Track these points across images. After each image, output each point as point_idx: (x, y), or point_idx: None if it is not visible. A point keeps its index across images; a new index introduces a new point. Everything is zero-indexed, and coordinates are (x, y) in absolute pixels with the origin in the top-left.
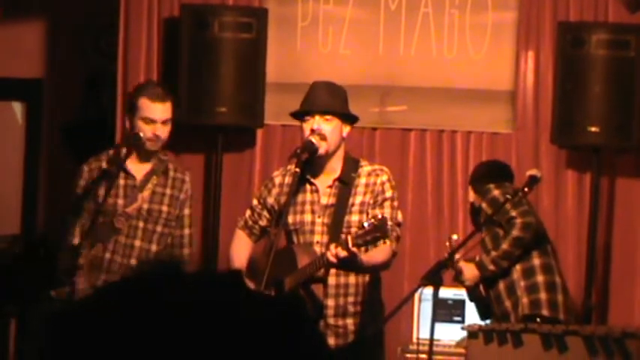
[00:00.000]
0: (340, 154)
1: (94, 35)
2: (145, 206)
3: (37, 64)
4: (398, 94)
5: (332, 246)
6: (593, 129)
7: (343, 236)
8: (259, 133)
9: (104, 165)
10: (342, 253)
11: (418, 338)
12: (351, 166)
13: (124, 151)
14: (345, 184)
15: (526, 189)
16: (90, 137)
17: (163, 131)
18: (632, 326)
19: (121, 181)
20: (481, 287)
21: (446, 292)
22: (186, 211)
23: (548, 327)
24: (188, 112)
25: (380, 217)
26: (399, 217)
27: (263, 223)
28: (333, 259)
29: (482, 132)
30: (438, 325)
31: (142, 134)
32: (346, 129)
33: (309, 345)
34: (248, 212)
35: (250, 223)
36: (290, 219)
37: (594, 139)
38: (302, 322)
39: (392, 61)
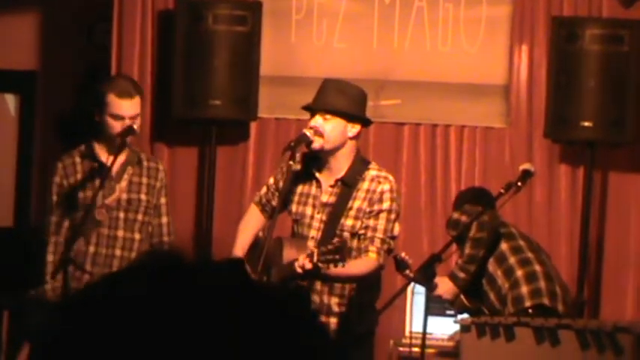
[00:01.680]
0: (346, 153)
1: (88, 27)
2: (124, 196)
3: (30, 56)
4: (392, 88)
5: (300, 257)
6: (587, 124)
7: (310, 249)
8: (253, 126)
9: (77, 160)
10: (308, 266)
11: (411, 332)
12: (358, 167)
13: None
14: (348, 186)
15: (519, 183)
16: (85, 129)
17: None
18: (623, 320)
19: (96, 174)
20: (463, 297)
21: None
22: (163, 200)
23: (540, 320)
24: (182, 105)
25: (342, 239)
26: (395, 230)
27: (275, 203)
28: (299, 270)
29: (476, 126)
30: (431, 319)
31: (135, 126)
32: (354, 129)
33: (312, 336)
34: (264, 189)
35: (264, 200)
36: (294, 208)
37: (588, 134)
38: (306, 313)
39: (386, 54)
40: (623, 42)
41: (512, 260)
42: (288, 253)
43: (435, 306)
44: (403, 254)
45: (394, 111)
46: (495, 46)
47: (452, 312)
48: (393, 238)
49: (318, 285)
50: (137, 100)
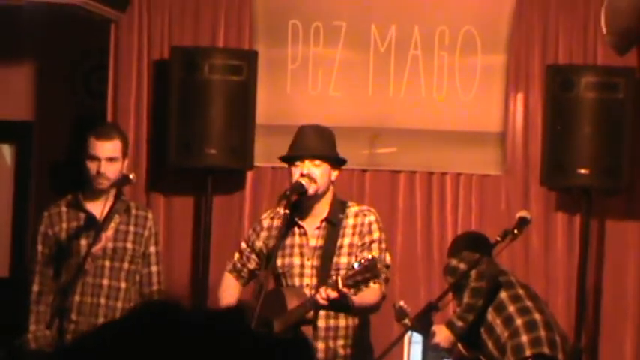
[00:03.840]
0: (329, 196)
1: (84, 76)
2: (110, 245)
3: (26, 107)
4: (387, 136)
5: (322, 288)
6: (583, 171)
7: (333, 277)
8: (249, 175)
9: (64, 210)
10: (333, 294)
11: None
12: (338, 207)
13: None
14: (333, 225)
15: (516, 231)
16: (77, 178)
17: (108, 169)
18: None
19: (83, 223)
20: (460, 346)
21: None
22: (152, 249)
23: None
24: (178, 153)
25: (370, 257)
26: (388, 259)
27: (251, 266)
28: (323, 302)
29: (472, 174)
30: None
31: (132, 176)
32: (335, 173)
33: None
34: (236, 255)
35: (239, 266)
36: (279, 262)
37: (584, 181)
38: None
39: (381, 102)
40: (617, 89)
41: (511, 309)
42: (292, 303)
43: (432, 355)
44: (402, 302)
45: (390, 159)
46: (491, 94)
47: None
48: (388, 267)
49: (322, 331)
50: (116, 143)
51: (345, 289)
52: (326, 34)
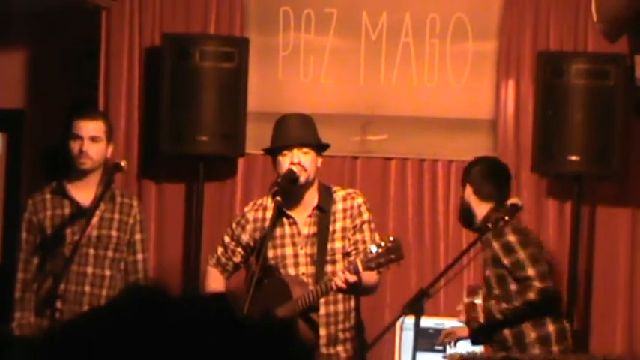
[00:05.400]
0: (315, 184)
1: (76, 64)
2: (94, 232)
3: (18, 95)
4: (379, 123)
5: (340, 272)
6: (574, 157)
7: (352, 260)
8: (240, 162)
9: (48, 197)
10: (352, 278)
11: None
12: (325, 193)
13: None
14: (324, 211)
15: (507, 218)
16: (69, 165)
17: (91, 148)
18: (613, 353)
19: (67, 210)
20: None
21: (427, 321)
22: (137, 236)
23: (530, 355)
24: (169, 141)
25: (392, 238)
26: (377, 239)
27: (237, 259)
28: (342, 285)
29: (464, 161)
30: (420, 355)
31: (123, 163)
32: (319, 159)
33: None
34: (220, 249)
35: (223, 260)
36: (270, 253)
37: (575, 168)
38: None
39: (373, 90)
40: (608, 76)
41: (554, 348)
42: (296, 290)
43: (423, 341)
44: (465, 299)
45: (381, 146)
46: (482, 81)
47: (440, 347)
48: None
49: (323, 317)
50: (100, 124)
51: (373, 270)
52: (317, 21)
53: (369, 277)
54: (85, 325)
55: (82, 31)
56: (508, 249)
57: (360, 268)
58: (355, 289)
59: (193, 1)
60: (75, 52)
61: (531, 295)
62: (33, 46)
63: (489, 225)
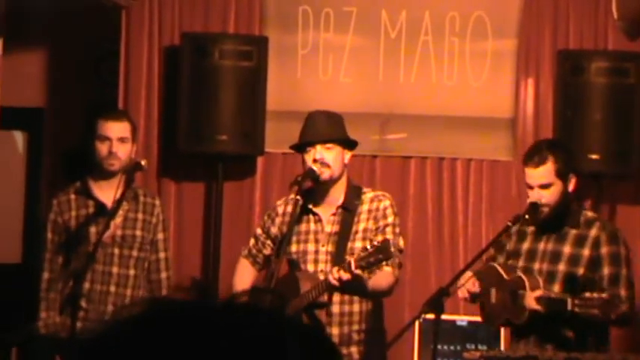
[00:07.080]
0: (343, 181)
1: (95, 63)
2: (119, 232)
3: (38, 94)
4: (398, 122)
5: (334, 269)
6: (594, 156)
7: (347, 259)
8: (260, 160)
9: (72, 197)
10: (345, 276)
11: None
12: (353, 193)
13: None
14: (349, 211)
15: (527, 216)
16: (90, 165)
17: (120, 149)
18: (635, 353)
19: (91, 210)
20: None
21: (446, 320)
22: (160, 236)
23: (549, 354)
24: (188, 140)
25: (382, 239)
26: (401, 243)
27: (267, 252)
28: (335, 282)
29: (483, 159)
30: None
31: (143, 162)
32: (347, 155)
33: None
34: (252, 241)
35: (254, 251)
36: (293, 248)
37: (594, 167)
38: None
39: (392, 88)
40: (628, 74)
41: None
42: (305, 287)
43: (443, 340)
44: None
45: (400, 145)
46: (501, 80)
47: (459, 347)
48: (401, 251)
49: (337, 317)
50: (126, 124)
51: (357, 271)
52: (336, 19)
53: (379, 280)
54: (121, 332)
55: (102, 30)
56: (616, 259)
57: (353, 266)
58: (353, 288)
59: (212, 0)
60: (94, 52)
61: (624, 271)
62: (52, 45)
63: (509, 224)
